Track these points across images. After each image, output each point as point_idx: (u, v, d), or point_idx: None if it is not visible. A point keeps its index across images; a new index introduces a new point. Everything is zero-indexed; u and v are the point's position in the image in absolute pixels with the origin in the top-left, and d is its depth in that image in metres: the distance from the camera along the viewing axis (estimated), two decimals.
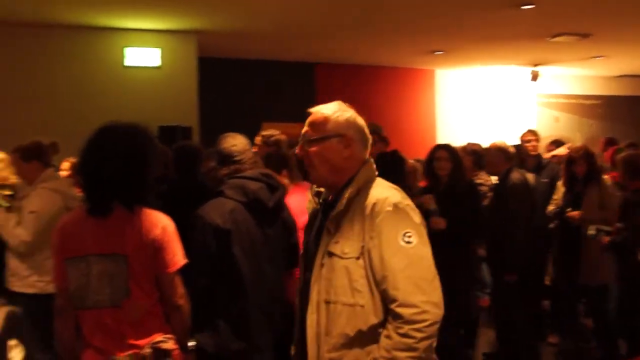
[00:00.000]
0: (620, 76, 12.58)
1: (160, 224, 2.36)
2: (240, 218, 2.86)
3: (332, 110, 2.13)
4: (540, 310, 5.70)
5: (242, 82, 9.73)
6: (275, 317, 2.97)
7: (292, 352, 2.26)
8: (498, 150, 5.03)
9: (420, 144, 9.23)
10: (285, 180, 3.61)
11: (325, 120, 2.10)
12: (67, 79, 7.57)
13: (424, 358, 1.91)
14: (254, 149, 5.09)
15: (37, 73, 7.46)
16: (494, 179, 5.37)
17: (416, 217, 2.04)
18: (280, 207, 3.08)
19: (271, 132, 4.82)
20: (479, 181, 5.48)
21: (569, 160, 5.10)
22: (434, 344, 1.94)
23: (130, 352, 2.28)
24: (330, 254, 2.04)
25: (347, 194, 2.05)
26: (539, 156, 6.15)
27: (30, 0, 6.49)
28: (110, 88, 7.67)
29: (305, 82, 10.21)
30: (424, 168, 4.93)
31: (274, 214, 3.03)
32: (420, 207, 2.48)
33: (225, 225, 2.80)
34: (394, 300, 1.92)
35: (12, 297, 3.77)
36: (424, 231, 2.04)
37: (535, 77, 11.02)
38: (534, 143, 6.09)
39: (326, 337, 2.02)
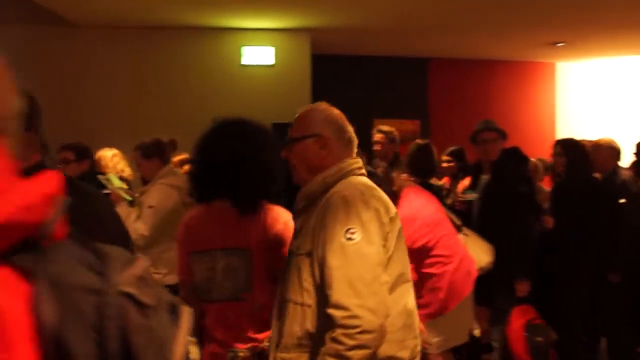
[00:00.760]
0: None
1: (282, 219, 2.37)
2: None
3: (311, 110, 2.09)
4: None
5: (353, 79, 9.69)
6: None
7: None
8: (609, 148, 4.90)
9: (538, 140, 8.85)
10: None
11: (302, 120, 2.08)
12: (186, 79, 7.85)
13: None
14: (377, 147, 5.08)
15: (158, 73, 7.79)
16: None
17: (366, 213, 1.83)
18: None
19: (388, 128, 4.81)
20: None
21: None
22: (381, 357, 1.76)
23: (249, 344, 2.30)
24: (290, 252, 2.02)
25: (309, 191, 1.99)
26: None
27: (161, 6, 6.82)
28: (227, 87, 7.87)
29: (418, 78, 10.04)
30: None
31: None
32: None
33: None
34: (328, 301, 1.76)
35: None
36: (375, 229, 1.83)
37: None
38: None
39: (279, 337, 1.96)
